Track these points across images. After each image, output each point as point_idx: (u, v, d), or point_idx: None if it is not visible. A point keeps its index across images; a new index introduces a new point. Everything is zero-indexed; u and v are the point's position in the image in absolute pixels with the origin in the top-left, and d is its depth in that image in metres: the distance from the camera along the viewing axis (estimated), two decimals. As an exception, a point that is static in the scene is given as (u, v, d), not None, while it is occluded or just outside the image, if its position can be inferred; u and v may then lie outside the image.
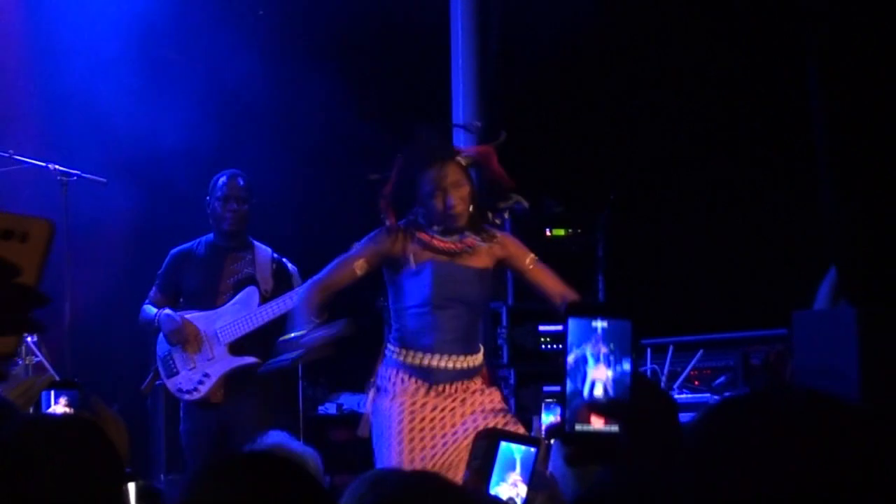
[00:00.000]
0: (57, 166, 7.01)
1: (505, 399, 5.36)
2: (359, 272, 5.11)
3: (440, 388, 5.06)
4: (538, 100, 8.34)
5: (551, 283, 5.20)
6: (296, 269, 6.84)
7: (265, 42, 8.82)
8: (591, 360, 1.98)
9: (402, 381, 5.07)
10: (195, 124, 8.49)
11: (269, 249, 6.83)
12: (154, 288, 6.77)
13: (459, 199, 5.00)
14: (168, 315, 6.58)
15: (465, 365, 5.12)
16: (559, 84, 8.44)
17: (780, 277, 7.49)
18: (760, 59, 8.10)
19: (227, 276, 6.70)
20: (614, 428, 1.96)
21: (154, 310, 6.64)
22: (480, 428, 4.90)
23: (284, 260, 6.84)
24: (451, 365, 5.08)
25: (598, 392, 1.98)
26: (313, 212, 8.69)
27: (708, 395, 7.04)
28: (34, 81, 8.42)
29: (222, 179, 6.77)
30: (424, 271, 5.06)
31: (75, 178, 7.03)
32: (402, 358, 5.09)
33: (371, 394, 5.19)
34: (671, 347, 7.24)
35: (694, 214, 8.29)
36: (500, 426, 4.93)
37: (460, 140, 5.87)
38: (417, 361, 5.06)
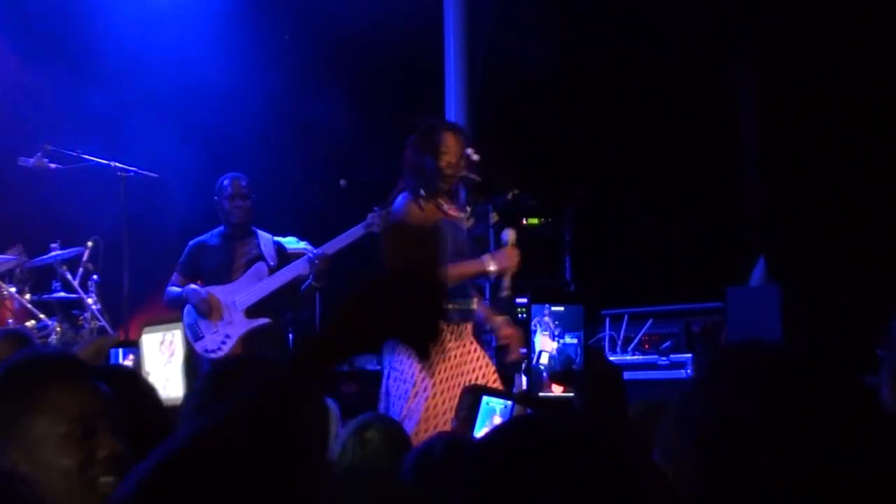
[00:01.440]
0: (117, 164, 7.00)
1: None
2: None
3: (450, 328, 5.12)
4: (517, 112, 8.38)
5: None
6: (309, 244, 6.94)
7: (289, 62, 8.85)
8: (539, 331, 2.04)
9: None
10: (227, 129, 8.55)
11: (269, 235, 6.92)
12: (176, 273, 6.84)
13: (457, 163, 5.18)
14: (195, 290, 6.67)
15: (466, 307, 5.25)
16: (533, 101, 8.49)
17: (716, 260, 7.57)
18: (699, 76, 8.14)
19: (238, 257, 6.78)
20: (570, 394, 2.02)
21: (178, 289, 6.75)
22: (472, 375, 5.10)
23: (285, 241, 6.98)
24: (455, 306, 5.17)
25: (544, 360, 2.04)
26: (320, 201, 8.72)
27: (656, 356, 7.08)
28: (101, 86, 8.40)
29: (226, 182, 6.86)
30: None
31: (132, 173, 7.04)
32: None
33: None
34: (626, 317, 7.27)
35: (646, 207, 8.34)
36: (491, 375, 5.11)
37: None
38: None
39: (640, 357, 7.08)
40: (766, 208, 7.75)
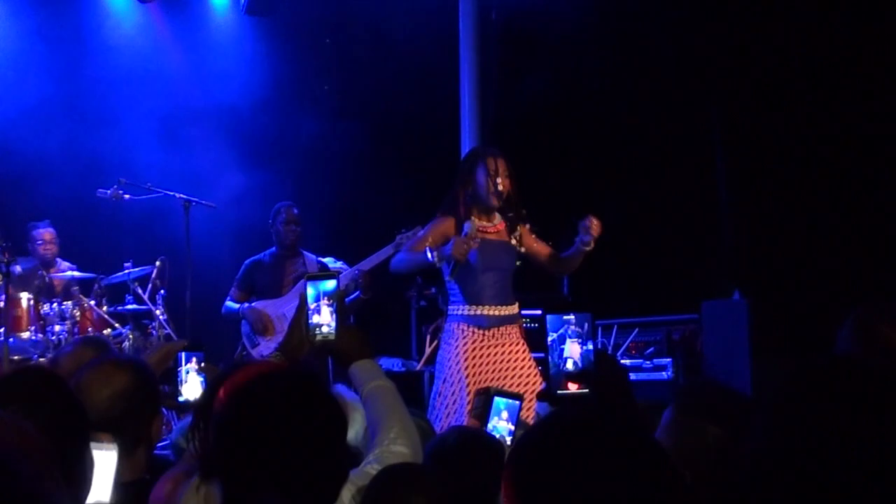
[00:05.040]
0: (181, 195, 7.04)
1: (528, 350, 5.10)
2: (431, 239, 4.93)
3: (491, 332, 4.93)
4: (522, 152, 8.36)
5: (543, 249, 5.19)
6: (345, 263, 6.93)
7: (325, 111, 8.86)
8: (568, 341, 2.03)
9: (463, 330, 4.91)
10: (264, 166, 8.55)
11: (313, 255, 6.94)
12: (234, 288, 6.87)
13: (505, 184, 4.98)
14: (250, 307, 6.69)
15: (506, 312, 4.99)
16: (531, 144, 8.48)
17: (693, 278, 7.54)
18: (680, 118, 8.11)
19: (287, 274, 6.80)
20: (585, 391, 2.01)
21: (236, 304, 6.76)
22: (519, 372, 4.89)
23: (325, 260, 6.97)
24: (496, 312, 4.95)
25: (569, 365, 2.03)
26: (350, 224, 8.73)
27: (641, 360, 7.05)
28: (168, 135, 8.43)
29: (281, 209, 6.91)
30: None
31: (194, 203, 7.07)
32: (462, 312, 4.94)
33: (435, 345, 5.07)
34: (615, 326, 7.25)
35: (633, 232, 8.31)
36: (530, 373, 4.89)
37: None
38: (474, 312, 4.92)
39: (628, 361, 7.06)
40: (737, 238, 7.73)
